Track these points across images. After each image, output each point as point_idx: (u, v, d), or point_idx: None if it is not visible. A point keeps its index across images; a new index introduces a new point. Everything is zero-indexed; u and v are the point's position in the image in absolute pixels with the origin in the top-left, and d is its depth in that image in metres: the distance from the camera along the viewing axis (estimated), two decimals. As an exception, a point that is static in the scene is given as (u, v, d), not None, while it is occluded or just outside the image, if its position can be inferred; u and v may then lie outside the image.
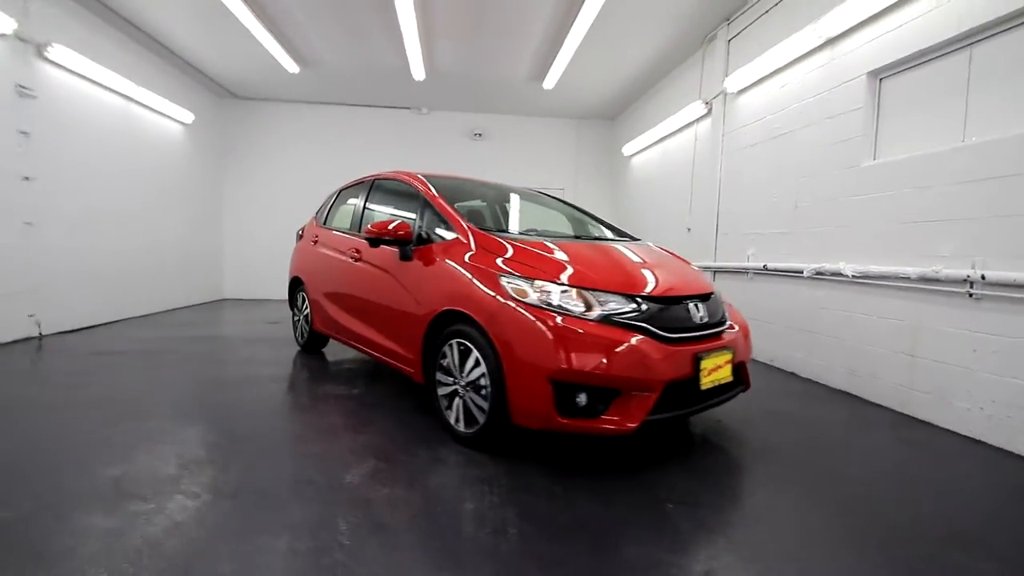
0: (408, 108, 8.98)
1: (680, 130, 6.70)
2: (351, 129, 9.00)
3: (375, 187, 3.99)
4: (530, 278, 2.38)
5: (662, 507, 2.02)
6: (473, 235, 2.76)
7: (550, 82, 7.19)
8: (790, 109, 4.49)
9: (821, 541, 1.84)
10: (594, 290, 2.34)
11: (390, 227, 3.01)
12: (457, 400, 2.61)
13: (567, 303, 2.28)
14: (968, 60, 3.05)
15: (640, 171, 8.13)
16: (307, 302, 4.48)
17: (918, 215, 3.25)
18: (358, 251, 3.63)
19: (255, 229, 8.95)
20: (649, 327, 2.29)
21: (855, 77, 3.77)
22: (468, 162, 9.03)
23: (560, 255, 2.61)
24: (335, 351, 4.73)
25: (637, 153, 8.18)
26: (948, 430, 3.04)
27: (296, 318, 4.81)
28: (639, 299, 2.37)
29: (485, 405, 2.42)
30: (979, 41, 2.98)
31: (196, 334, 5.51)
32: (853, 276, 3.68)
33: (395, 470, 2.29)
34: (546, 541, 1.75)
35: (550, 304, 2.27)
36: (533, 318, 2.24)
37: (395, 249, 3.14)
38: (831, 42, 4.00)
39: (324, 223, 4.58)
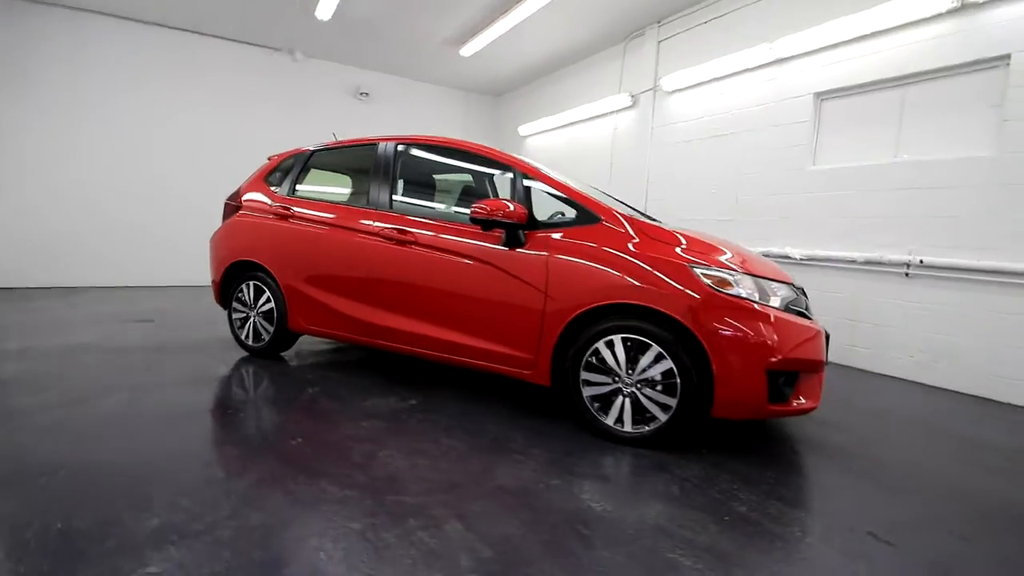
0: (278, 50, 7.32)
1: (595, 118, 7.08)
2: (194, 64, 6.92)
3: (405, 155, 3.27)
4: (725, 269, 2.34)
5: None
6: (627, 221, 2.54)
7: (470, 50, 6.76)
8: (733, 114, 5.22)
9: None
10: (770, 280, 2.43)
11: (509, 208, 2.55)
12: (620, 399, 2.42)
13: (761, 294, 2.32)
14: (902, 97, 4.04)
15: (541, 153, 8.32)
16: (274, 294, 3.43)
17: (863, 213, 4.21)
18: (403, 232, 2.94)
19: (48, 185, 6.25)
20: (805, 312, 2.51)
21: (802, 95, 4.60)
22: (351, 125, 7.89)
23: (711, 242, 2.60)
24: (299, 349, 3.76)
25: (536, 134, 8.34)
26: (882, 374, 4.10)
27: (244, 315, 3.64)
28: (793, 286, 2.56)
29: (671, 401, 2.31)
30: (912, 83, 3.97)
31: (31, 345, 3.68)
32: (800, 259, 4.57)
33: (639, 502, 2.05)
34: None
35: (751, 296, 2.29)
36: (746, 311, 2.23)
37: (492, 233, 2.69)
38: (780, 61, 4.77)
39: (292, 192, 3.54)
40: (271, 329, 3.50)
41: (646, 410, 2.37)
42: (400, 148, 3.25)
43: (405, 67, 7.91)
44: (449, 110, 8.93)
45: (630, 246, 2.44)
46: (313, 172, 3.62)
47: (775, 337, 2.21)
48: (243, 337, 3.66)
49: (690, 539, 1.68)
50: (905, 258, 3.91)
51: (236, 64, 7.14)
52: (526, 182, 2.76)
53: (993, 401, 3.51)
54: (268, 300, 3.48)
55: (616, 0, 5.58)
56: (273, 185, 3.66)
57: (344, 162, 3.75)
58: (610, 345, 2.40)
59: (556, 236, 2.59)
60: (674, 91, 5.85)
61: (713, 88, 5.41)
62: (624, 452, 2.37)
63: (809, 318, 2.51)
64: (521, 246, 2.62)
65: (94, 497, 1.76)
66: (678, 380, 2.28)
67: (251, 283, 3.56)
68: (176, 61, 6.82)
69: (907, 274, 3.92)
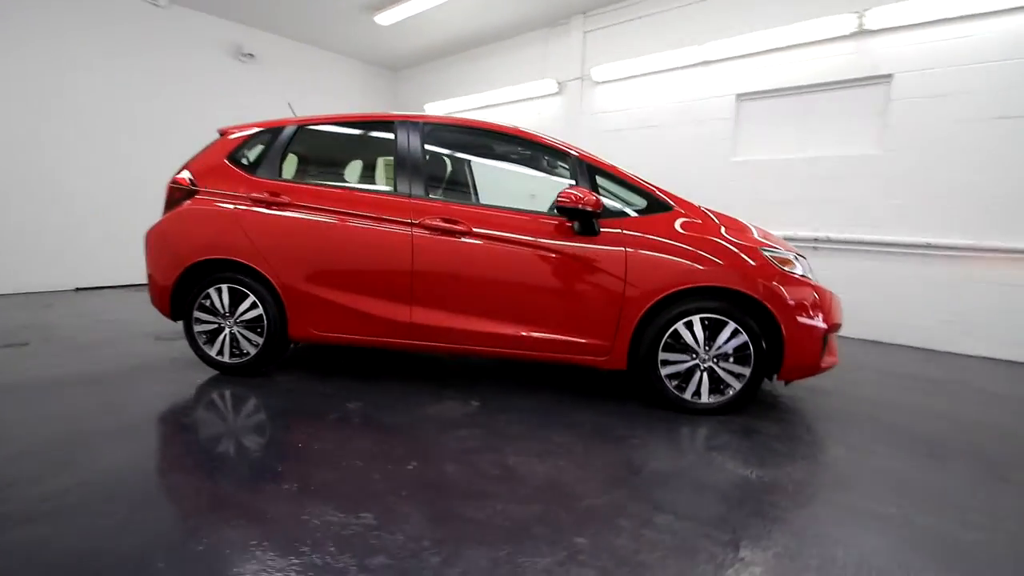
0: (135, -8, 5.79)
1: (517, 102, 7.10)
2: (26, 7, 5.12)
3: (433, 136, 2.98)
4: (784, 250, 2.64)
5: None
6: (698, 209, 2.69)
7: (389, 18, 6.19)
8: (661, 108, 5.72)
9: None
10: (800, 256, 2.81)
11: (591, 197, 2.49)
12: (698, 374, 2.61)
13: (805, 268, 2.68)
14: (808, 102, 4.88)
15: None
16: (263, 299, 2.84)
17: (777, 198, 5.02)
18: (453, 222, 2.68)
19: None
20: None
21: (725, 95, 5.26)
22: (231, 93, 6.72)
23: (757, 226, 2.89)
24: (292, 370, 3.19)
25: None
26: (797, 331, 5.00)
27: (213, 327, 2.93)
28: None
29: (745, 371, 2.57)
30: (816, 91, 4.83)
31: None
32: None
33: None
34: None
35: (806, 273, 2.63)
36: (805, 286, 2.56)
37: (560, 222, 2.63)
38: (705, 64, 5.36)
39: (279, 175, 2.93)
40: (259, 341, 2.90)
41: (722, 381, 2.60)
42: (422, 128, 2.92)
43: (300, 29, 6.92)
44: (344, 82, 8.08)
45: (704, 232, 2.61)
46: (301, 151, 3.04)
47: (825, 306, 2.60)
48: (212, 353, 2.97)
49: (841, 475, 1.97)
50: (814, 234, 4.80)
51: (79, 5, 5.48)
52: (591, 171, 2.75)
53: (887, 344, 4.53)
54: (254, 306, 2.87)
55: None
56: (246, 167, 2.98)
57: (346, 141, 3.22)
58: (689, 325, 2.57)
59: (631, 224, 2.64)
60: (604, 82, 6.17)
61: (643, 82, 5.86)
62: (708, 421, 2.57)
63: None
64: (596, 235, 2.61)
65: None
66: (751, 351, 2.55)
67: (223, 287, 2.89)
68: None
69: (815, 247, 4.83)
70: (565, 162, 2.83)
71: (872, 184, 4.52)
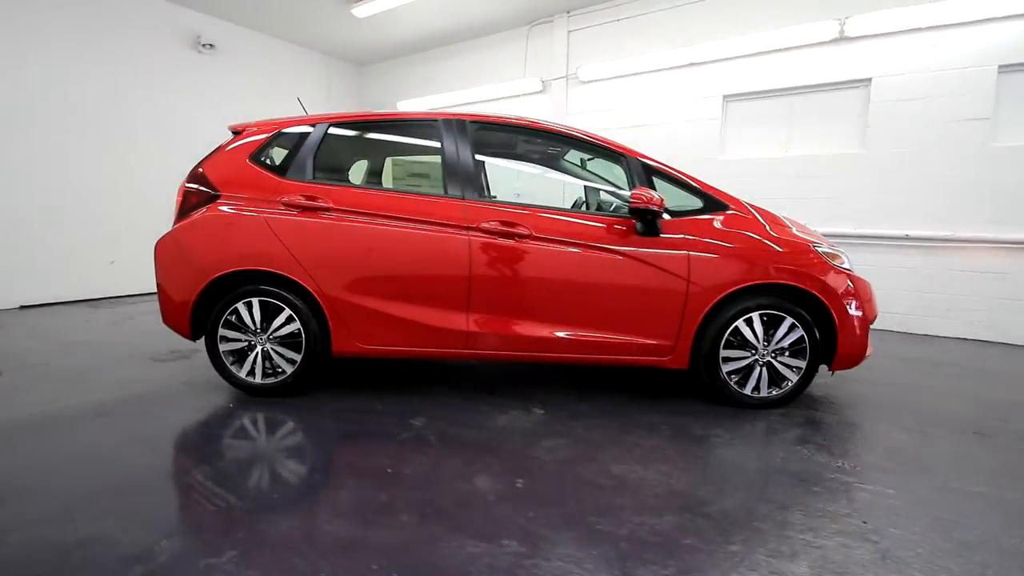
0: (78, -30, 5.12)
1: (498, 100, 6.99)
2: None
3: (481, 135, 2.87)
4: (830, 246, 2.75)
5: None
6: (752, 208, 2.74)
7: (367, 10, 5.89)
8: (649, 107, 5.83)
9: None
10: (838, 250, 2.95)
11: (657, 198, 2.48)
12: (758, 370, 2.68)
13: (848, 262, 2.81)
14: (792, 103, 5.15)
15: (426, 133, 7.81)
16: (301, 312, 2.61)
17: (765, 195, 5.21)
18: (513, 225, 2.58)
19: None
20: None
21: (712, 96, 5.44)
22: (190, 86, 6.17)
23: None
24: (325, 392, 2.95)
25: (419, 113, 7.79)
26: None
27: (244, 345, 2.67)
28: None
29: (802, 363, 2.67)
30: (800, 94, 5.10)
31: None
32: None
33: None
34: None
35: (851, 267, 2.76)
36: (852, 279, 2.68)
37: (621, 223, 2.61)
38: (693, 65, 5.52)
39: (313, 177, 2.70)
40: (296, 358, 2.67)
41: (781, 375, 2.69)
42: (466, 127, 2.79)
43: (263, 19, 6.43)
44: (311, 77, 7.62)
45: (760, 231, 2.68)
46: (335, 152, 2.81)
47: (867, 297, 2.75)
48: (242, 374, 2.70)
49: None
50: (802, 230, 5.09)
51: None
52: (647, 171, 2.74)
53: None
54: (290, 320, 2.63)
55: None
56: (273, 168, 2.72)
57: (382, 141, 3.01)
58: (749, 322, 2.63)
59: (690, 224, 2.66)
60: (591, 81, 6.21)
61: (631, 81, 5.94)
62: (770, 415, 2.65)
63: None
64: (657, 236, 2.61)
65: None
66: (807, 345, 2.65)
67: (253, 300, 2.63)
68: None
69: (804, 242, 5.11)
70: (620, 162, 2.80)
71: (855, 181, 4.84)
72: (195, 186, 2.69)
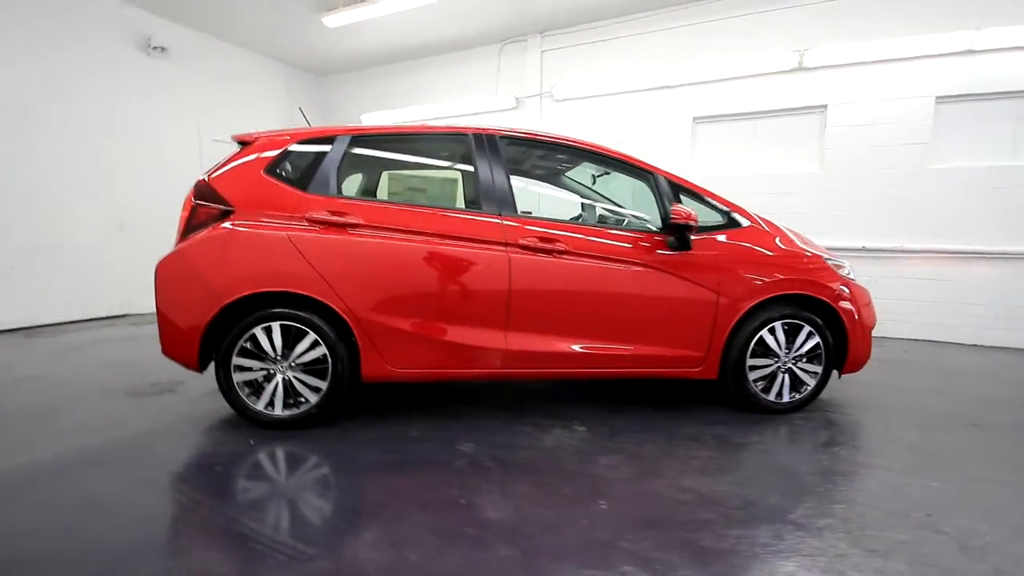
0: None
1: (469, 116, 6.96)
2: None
3: (511, 150, 2.88)
4: (837, 258, 2.94)
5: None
6: (764, 222, 2.88)
7: (338, 20, 5.69)
8: (622, 126, 6.05)
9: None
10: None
11: (693, 213, 2.55)
12: (781, 376, 2.81)
13: (851, 272, 3.02)
14: (755, 126, 5.53)
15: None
16: (327, 337, 2.42)
17: (735, 210, 5.59)
18: (550, 240, 2.56)
19: None
20: None
21: (683, 117, 5.74)
22: (139, 89, 5.67)
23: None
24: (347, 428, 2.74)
25: (385, 126, 7.60)
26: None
27: (263, 374, 2.43)
28: None
29: (819, 369, 2.83)
30: (763, 118, 5.49)
31: None
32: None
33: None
34: None
35: (855, 276, 2.97)
36: (857, 289, 2.89)
37: (654, 238, 2.67)
38: (665, 88, 5.80)
39: (338, 192, 2.54)
40: (321, 386, 2.47)
41: (801, 381, 2.84)
42: (508, 143, 2.77)
43: (217, 23, 6.04)
44: (271, 86, 7.23)
45: (778, 244, 2.83)
46: (358, 166, 2.66)
47: (869, 305, 2.97)
48: (259, 406, 2.46)
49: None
50: (770, 243, 5.45)
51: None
52: (675, 189, 2.82)
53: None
54: (315, 345, 2.44)
55: (491, 4, 5.65)
56: (293, 182, 2.53)
57: (408, 155, 2.87)
58: (772, 331, 2.76)
59: (720, 239, 2.76)
60: (565, 99, 6.35)
61: (605, 101, 6.14)
62: (793, 419, 2.79)
63: None
64: (689, 250, 2.68)
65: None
66: (822, 351, 2.82)
67: (273, 325, 2.42)
68: None
69: (771, 254, 5.47)
70: (648, 180, 2.87)
71: (814, 198, 5.27)
72: (205, 201, 2.45)
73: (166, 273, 2.43)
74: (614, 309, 2.67)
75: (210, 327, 2.39)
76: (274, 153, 2.57)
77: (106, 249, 5.47)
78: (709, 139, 5.78)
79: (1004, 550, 1.62)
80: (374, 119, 7.54)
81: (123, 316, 5.65)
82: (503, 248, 2.55)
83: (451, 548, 1.60)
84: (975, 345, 4.70)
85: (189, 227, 2.45)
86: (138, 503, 1.87)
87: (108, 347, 4.33)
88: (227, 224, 2.42)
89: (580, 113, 6.36)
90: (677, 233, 2.63)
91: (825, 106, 5.14)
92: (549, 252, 2.58)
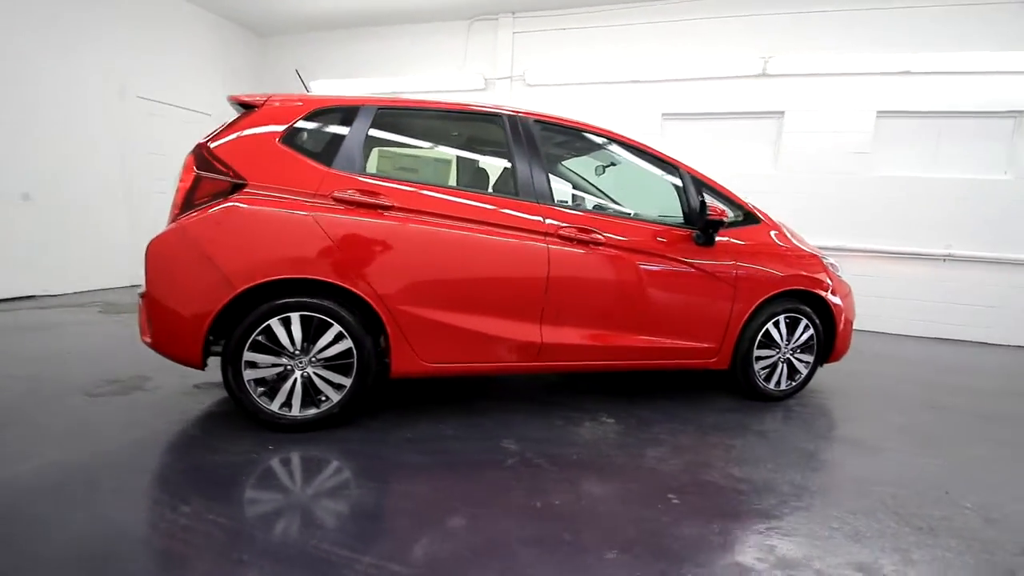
0: None
1: (433, 93, 6.64)
2: None
3: (544, 135, 2.70)
4: (829, 257, 3.16)
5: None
6: (771, 219, 3.02)
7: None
8: (595, 117, 6.05)
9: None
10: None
11: (725, 210, 2.61)
12: (780, 367, 2.99)
13: (839, 269, 3.27)
14: (718, 127, 5.80)
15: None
16: (352, 329, 2.20)
17: (698, 206, 5.86)
18: (584, 230, 2.50)
19: None
20: None
21: (653, 112, 5.89)
22: (41, 29, 4.77)
23: None
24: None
25: (337, 97, 7.03)
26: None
27: (279, 370, 2.16)
28: None
29: (810, 359, 3.05)
30: (726, 119, 5.77)
31: None
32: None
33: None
34: None
35: (843, 273, 3.22)
36: (845, 285, 3.14)
37: (682, 232, 2.71)
38: (635, 82, 5.90)
39: (364, 168, 2.29)
40: (345, 382, 2.25)
41: (796, 370, 3.05)
42: (542, 128, 2.65)
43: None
44: (205, 45, 6.39)
45: (785, 242, 3.00)
46: (384, 140, 2.41)
47: (851, 300, 3.25)
48: (274, 407, 2.18)
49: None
50: (728, 238, 5.79)
51: None
52: (698, 185, 2.86)
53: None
54: (339, 338, 2.21)
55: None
56: (314, 155, 2.23)
57: (436, 132, 2.64)
58: (776, 324, 2.93)
59: (738, 235, 2.86)
60: (538, 85, 6.25)
61: (579, 90, 6.13)
62: (790, 405, 3.00)
63: None
64: (712, 246, 2.75)
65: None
66: (814, 342, 3.04)
67: (292, 316, 2.15)
68: None
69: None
70: (675, 174, 2.89)
71: (771, 198, 5.62)
72: (211, 172, 2.10)
73: (163, 253, 2.07)
74: (645, 302, 2.68)
75: (218, 317, 2.08)
76: (291, 121, 2.26)
77: (7, 222, 4.59)
78: (676, 135, 5.99)
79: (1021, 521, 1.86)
80: (326, 88, 6.96)
81: (28, 298, 4.79)
82: (543, 238, 2.45)
83: (558, 557, 1.53)
84: (899, 335, 5.35)
85: (189, 200, 2.09)
86: (162, 541, 1.58)
87: (27, 337, 3.65)
88: (239, 199, 2.10)
89: (552, 100, 6.29)
90: (705, 228, 2.70)
91: (782, 112, 5.52)
92: (585, 243, 2.53)
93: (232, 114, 2.37)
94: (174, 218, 2.11)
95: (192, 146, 2.19)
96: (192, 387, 2.76)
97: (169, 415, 2.40)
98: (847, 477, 2.17)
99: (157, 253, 2.07)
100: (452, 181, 3.25)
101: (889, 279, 5.36)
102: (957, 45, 4.86)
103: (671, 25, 5.72)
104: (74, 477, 1.82)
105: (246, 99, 2.33)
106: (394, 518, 1.74)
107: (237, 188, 2.11)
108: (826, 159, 5.42)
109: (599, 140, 3.04)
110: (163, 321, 2.09)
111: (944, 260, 5.17)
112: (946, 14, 4.90)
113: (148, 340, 2.17)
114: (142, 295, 2.18)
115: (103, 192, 5.43)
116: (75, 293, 5.13)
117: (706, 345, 2.83)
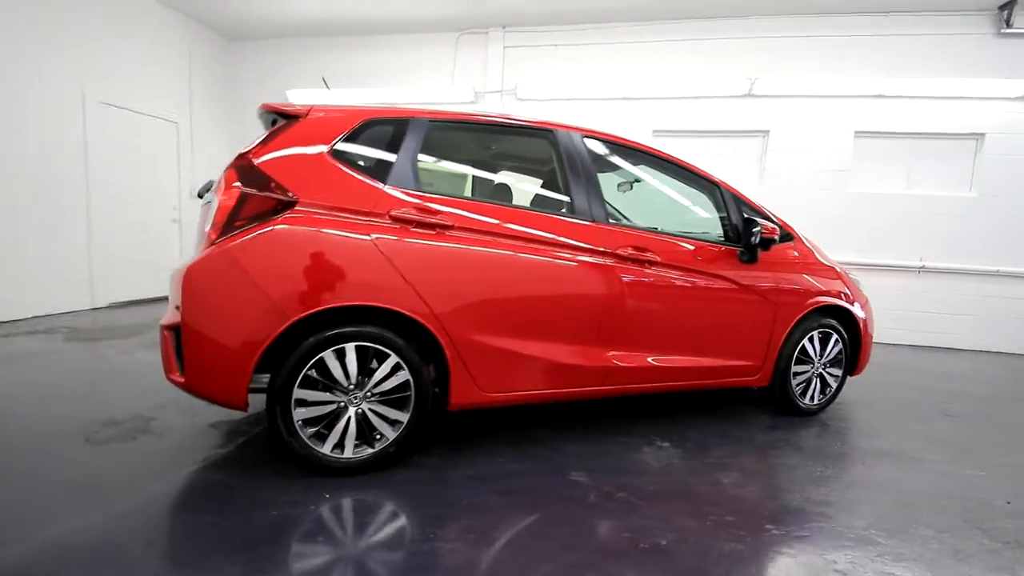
0: None
1: (419, 104, 6.45)
2: None
3: (593, 151, 2.64)
4: (847, 269, 3.25)
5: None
6: (799, 235, 3.07)
7: (286, -21, 4.87)
8: (585, 132, 6.09)
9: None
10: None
11: (776, 230, 2.64)
12: (815, 381, 3.03)
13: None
14: (707, 144, 5.96)
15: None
16: (411, 359, 2.02)
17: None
18: (640, 249, 2.43)
19: None
20: None
21: (643, 129, 5.97)
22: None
23: None
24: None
25: (315, 107, 6.71)
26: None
27: (332, 408, 1.95)
28: None
29: (840, 372, 3.11)
30: (714, 136, 5.93)
31: None
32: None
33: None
34: None
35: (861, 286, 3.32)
36: (864, 297, 3.24)
37: (730, 251, 2.73)
38: (626, 99, 5.97)
39: (418, 186, 2.12)
40: (402, 418, 2.06)
41: (828, 384, 3.10)
42: (592, 144, 2.59)
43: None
44: (169, 49, 5.94)
45: (814, 258, 3.06)
46: (435, 156, 2.25)
47: (870, 310, 3.35)
48: (326, 449, 1.96)
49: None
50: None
51: None
52: (737, 203, 2.90)
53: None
54: (396, 369, 2.02)
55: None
56: (366, 171, 2.05)
57: (488, 148, 2.49)
58: (811, 339, 2.98)
59: (774, 253, 2.88)
60: (529, 99, 6.21)
61: (570, 106, 6.13)
62: (822, 420, 3.04)
63: None
64: (755, 262, 2.76)
65: None
66: (844, 356, 3.11)
67: (346, 347, 1.95)
68: None
69: (720, 262, 5.95)
70: (715, 193, 2.89)
71: (757, 212, 5.85)
72: (257, 190, 1.87)
73: (203, 280, 1.82)
74: (699, 321, 2.65)
75: (269, 351, 1.85)
76: (339, 135, 2.07)
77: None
78: (668, 151, 6.07)
79: (1090, 529, 1.92)
80: (301, 97, 6.64)
81: (-30, 327, 4.21)
82: (604, 258, 2.37)
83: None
84: (879, 343, 5.61)
85: (233, 221, 1.86)
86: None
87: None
88: (292, 220, 1.88)
89: (543, 115, 6.27)
90: (755, 246, 2.70)
91: (767, 131, 5.75)
92: (643, 263, 2.47)
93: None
94: (213, 240, 1.87)
95: (230, 162, 1.97)
96: (207, 426, 2.47)
97: (190, 461, 2.11)
98: (911, 491, 2.17)
99: (196, 280, 1.82)
100: (507, 199, 3.13)
101: (867, 290, 5.62)
102: (926, 72, 5.24)
103: (662, 45, 5.85)
104: (102, 550, 1.54)
105: (285, 108, 2.12)
106: (505, 571, 1.57)
107: (286, 207, 1.91)
108: (808, 176, 5.68)
109: (647, 157, 3.03)
110: (203, 356, 1.84)
111: (919, 272, 5.51)
112: (917, 43, 5.27)
113: (179, 379, 1.89)
114: (169, 327, 1.92)
115: (63, 206, 4.89)
116: (33, 318, 4.57)
117: (752, 363, 2.83)
